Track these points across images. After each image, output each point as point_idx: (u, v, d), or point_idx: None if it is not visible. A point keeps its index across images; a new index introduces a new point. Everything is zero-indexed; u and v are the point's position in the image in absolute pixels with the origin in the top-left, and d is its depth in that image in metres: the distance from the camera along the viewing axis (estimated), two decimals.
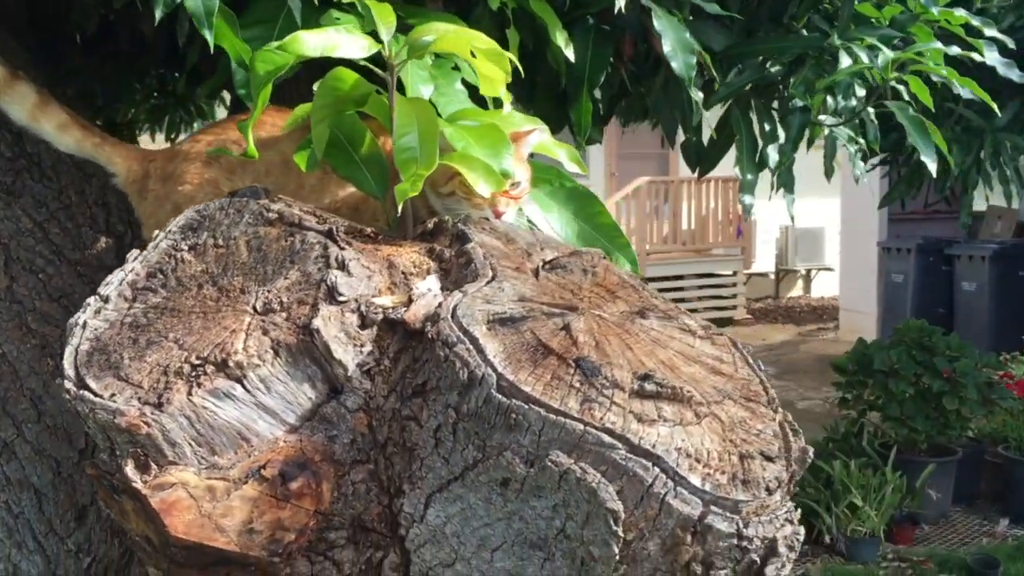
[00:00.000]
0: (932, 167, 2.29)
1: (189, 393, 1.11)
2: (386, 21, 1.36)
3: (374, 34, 1.36)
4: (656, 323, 1.26)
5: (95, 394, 1.11)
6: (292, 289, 1.22)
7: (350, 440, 1.19)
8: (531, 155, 1.53)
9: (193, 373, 1.12)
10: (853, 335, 7.31)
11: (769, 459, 1.09)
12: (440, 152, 1.37)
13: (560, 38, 1.98)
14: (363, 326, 1.21)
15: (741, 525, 1.03)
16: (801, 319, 12.38)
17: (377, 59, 1.39)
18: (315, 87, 1.42)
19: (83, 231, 1.94)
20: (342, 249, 1.28)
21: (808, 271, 13.93)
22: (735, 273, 12.22)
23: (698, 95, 2.13)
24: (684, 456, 1.05)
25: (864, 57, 2.30)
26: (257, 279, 1.24)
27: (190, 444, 1.11)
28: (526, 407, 1.07)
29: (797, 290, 14.16)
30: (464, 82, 1.85)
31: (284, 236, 1.30)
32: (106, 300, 1.24)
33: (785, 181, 2.53)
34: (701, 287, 12.06)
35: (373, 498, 1.21)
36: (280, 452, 1.16)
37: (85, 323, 1.21)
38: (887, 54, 2.22)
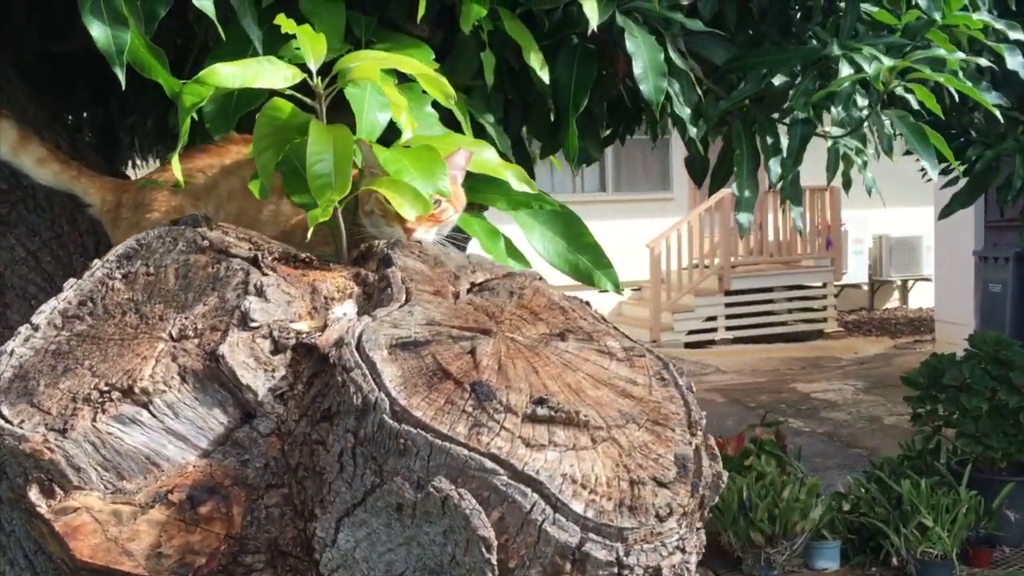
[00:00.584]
0: (933, 173, 2.21)
1: (94, 419, 1.13)
2: (315, 51, 1.38)
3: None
4: (573, 345, 1.24)
5: (6, 420, 1.14)
6: (208, 316, 1.24)
7: (263, 464, 1.20)
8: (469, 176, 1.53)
9: (100, 399, 1.15)
10: (950, 347, 7.05)
11: (662, 484, 1.06)
12: (375, 176, 1.39)
13: (535, 60, 1.98)
14: (276, 351, 1.22)
15: (621, 553, 1.00)
16: (897, 331, 12.01)
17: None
18: (257, 117, 1.45)
19: (74, 259, 2.01)
20: (264, 275, 1.29)
21: (904, 282, 13.54)
22: (825, 285, 11.97)
23: (684, 111, 2.10)
24: (569, 482, 1.03)
25: (866, 66, 2.24)
26: (177, 306, 1.27)
27: (96, 469, 1.13)
28: (415, 432, 1.06)
29: (893, 301, 13.78)
30: (436, 105, 1.87)
31: (212, 263, 1.33)
32: (36, 328, 1.28)
33: (791, 194, 2.47)
34: (790, 299, 11.82)
35: (288, 522, 1.22)
36: (188, 476, 1.17)
37: (12, 351, 1.25)
38: (882, 62, 2.16)
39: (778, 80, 2.41)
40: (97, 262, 1.38)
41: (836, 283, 12.22)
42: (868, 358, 10.36)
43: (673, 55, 2.11)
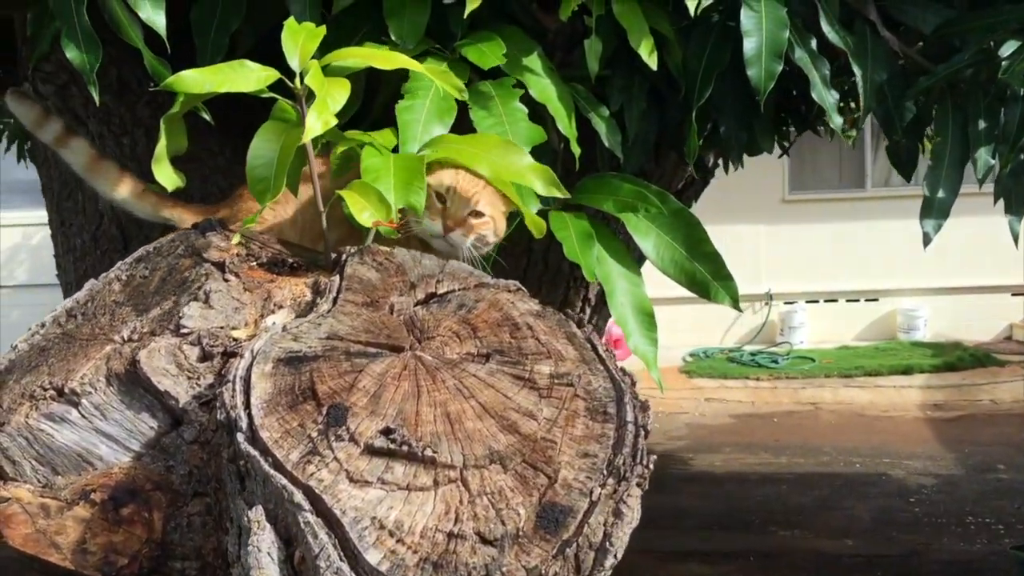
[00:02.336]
0: None
1: (27, 415, 1.19)
2: (302, 49, 1.34)
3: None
4: (488, 368, 1.10)
5: None
6: (155, 320, 1.26)
7: (187, 472, 1.20)
8: None
9: (38, 397, 1.21)
10: None
11: (487, 542, 0.90)
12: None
13: (644, 45, 1.78)
14: (203, 359, 1.21)
15: None
16: None
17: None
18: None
19: None
20: (225, 280, 1.29)
21: None
22: None
23: (828, 98, 1.78)
24: (376, 527, 0.91)
25: None
26: (142, 309, 1.30)
27: (30, 462, 1.20)
28: (256, 455, 1.00)
29: None
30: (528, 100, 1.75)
31: (191, 267, 1.35)
32: (43, 326, 1.38)
33: (1009, 190, 1.99)
34: None
35: (210, 532, 1.20)
36: (112, 477, 1.20)
37: (17, 346, 1.35)
38: None
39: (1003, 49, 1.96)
40: (119, 263, 1.46)
41: None
42: None
43: (830, 31, 1.79)
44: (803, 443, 6.13)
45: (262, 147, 1.27)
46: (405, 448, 0.96)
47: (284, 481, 0.96)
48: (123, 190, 1.70)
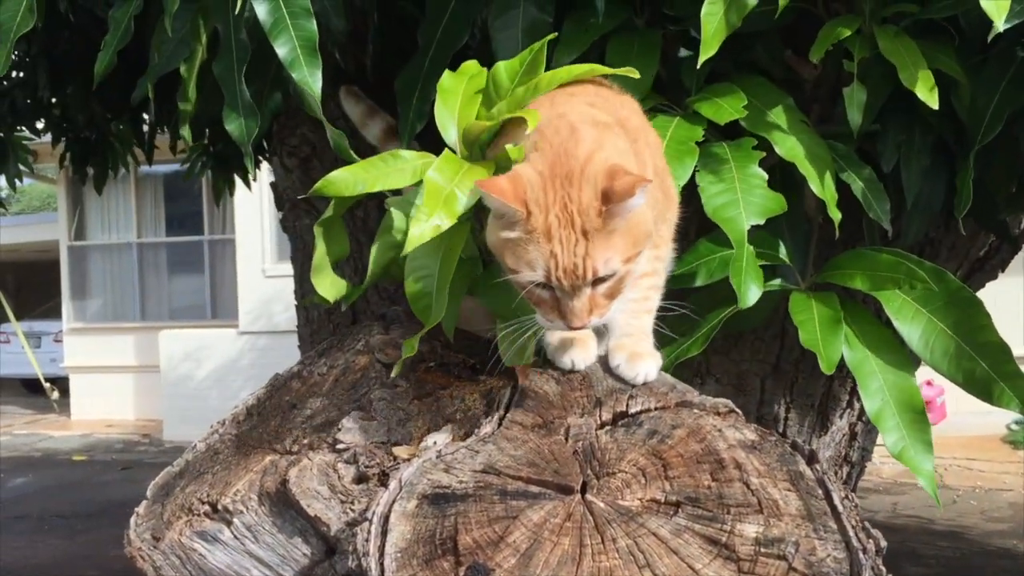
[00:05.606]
0: None
1: (181, 532, 1.10)
2: (460, 117, 1.18)
3: None
4: (671, 525, 0.86)
5: (137, 518, 1.17)
6: (316, 429, 1.13)
7: None
8: None
9: (193, 512, 1.11)
10: None
11: None
12: None
13: (922, 84, 1.45)
14: (359, 479, 1.06)
15: None
16: None
17: None
18: None
19: None
20: (394, 387, 1.14)
21: None
22: None
23: None
24: None
25: None
26: (308, 415, 1.18)
27: None
28: None
29: None
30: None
31: (364, 367, 1.22)
32: (223, 424, 1.30)
33: None
34: None
35: None
36: None
37: (196, 446, 1.28)
38: None
39: None
40: (303, 356, 1.37)
41: None
42: None
43: None
44: None
45: (421, 258, 1.09)
46: None
47: None
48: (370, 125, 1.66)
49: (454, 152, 1.16)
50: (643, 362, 1.10)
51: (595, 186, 0.99)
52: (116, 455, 8.06)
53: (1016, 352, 1.41)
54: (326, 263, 1.22)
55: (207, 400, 8.26)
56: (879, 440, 1.97)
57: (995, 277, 2.08)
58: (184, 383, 8.70)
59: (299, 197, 1.31)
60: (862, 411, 1.96)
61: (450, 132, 1.17)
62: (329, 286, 1.24)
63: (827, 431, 1.96)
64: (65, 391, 10.02)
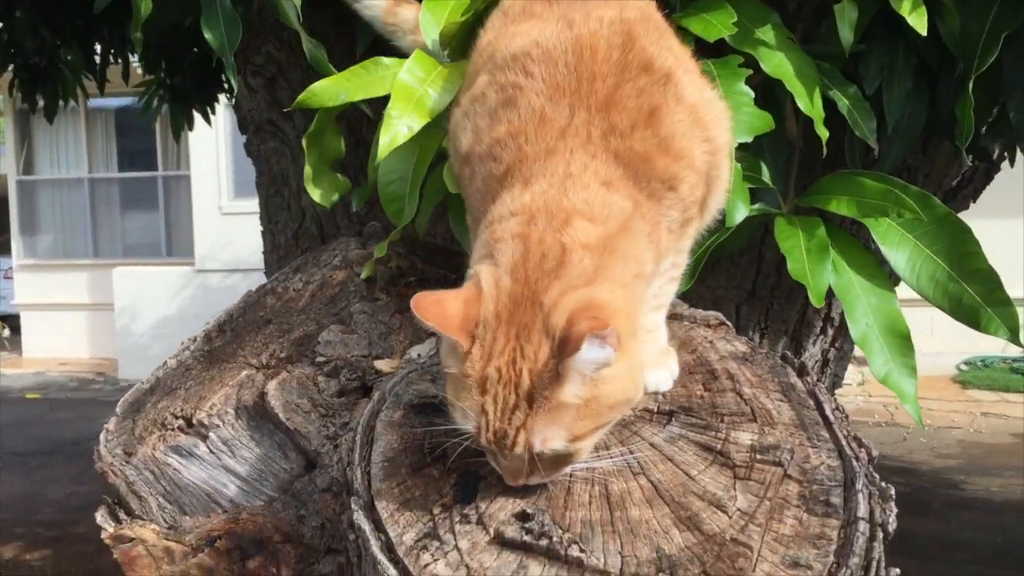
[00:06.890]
0: None
1: (154, 447, 1.07)
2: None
3: None
4: (666, 433, 0.84)
5: (108, 434, 1.14)
6: (295, 343, 1.10)
7: (319, 524, 1.03)
8: None
9: (167, 427, 1.08)
10: None
11: None
12: None
13: (909, 6, 1.43)
14: (341, 393, 1.03)
15: None
16: None
17: None
18: None
19: None
20: (374, 299, 1.11)
21: None
22: None
23: None
24: None
25: None
26: (285, 329, 1.15)
27: (157, 499, 1.07)
28: (367, 532, 0.80)
29: None
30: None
31: (343, 282, 1.18)
32: (194, 340, 1.26)
33: None
34: None
35: None
36: (239, 524, 1.05)
37: (167, 362, 1.24)
38: None
39: None
40: (277, 272, 1.32)
41: None
42: None
43: None
44: None
45: (393, 162, 1.06)
46: (544, 542, 0.73)
47: (392, 572, 0.75)
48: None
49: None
50: (653, 373, 0.91)
51: (554, 340, 0.77)
52: (70, 393, 7.96)
53: (1014, 294, 1.40)
54: (321, 168, 1.18)
55: (163, 339, 8.15)
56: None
57: (967, 207, 2.08)
58: (139, 321, 8.58)
59: (285, 110, 1.25)
60: (835, 337, 1.97)
61: (432, 35, 1.12)
62: (328, 187, 1.19)
63: (800, 357, 1.97)
64: (16, 329, 9.83)
